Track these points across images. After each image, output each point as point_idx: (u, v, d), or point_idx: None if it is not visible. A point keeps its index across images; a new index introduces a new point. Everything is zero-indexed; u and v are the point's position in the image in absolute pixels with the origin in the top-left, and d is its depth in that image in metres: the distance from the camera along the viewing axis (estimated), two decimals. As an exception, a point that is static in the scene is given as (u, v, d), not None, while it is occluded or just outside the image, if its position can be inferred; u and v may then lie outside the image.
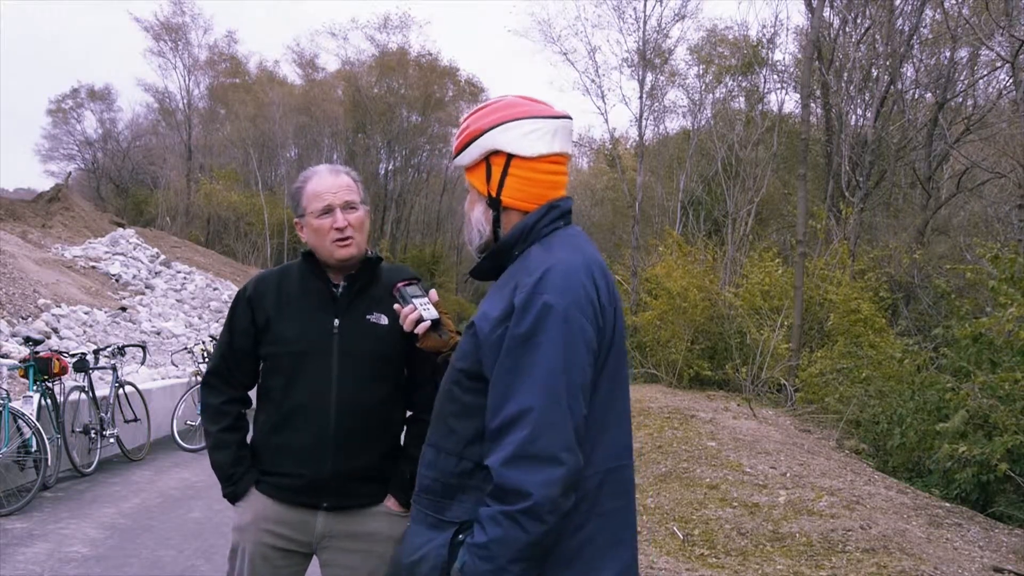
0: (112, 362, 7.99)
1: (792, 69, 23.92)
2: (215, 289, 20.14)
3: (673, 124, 31.34)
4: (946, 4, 16.95)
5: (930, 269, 15.27)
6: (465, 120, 1.73)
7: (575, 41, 59.57)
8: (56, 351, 7.21)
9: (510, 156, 1.66)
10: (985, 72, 18.38)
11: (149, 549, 5.07)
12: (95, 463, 7.13)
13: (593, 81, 24.81)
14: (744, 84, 25.64)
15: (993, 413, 6.56)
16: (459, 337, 1.84)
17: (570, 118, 1.71)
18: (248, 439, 2.31)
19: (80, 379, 7.34)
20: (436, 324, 1.99)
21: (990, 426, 6.76)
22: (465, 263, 39.78)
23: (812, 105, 18.90)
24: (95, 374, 7.61)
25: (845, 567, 4.50)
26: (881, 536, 5.00)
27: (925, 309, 15.19)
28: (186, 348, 10.81)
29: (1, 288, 12.33)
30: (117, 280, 17.72)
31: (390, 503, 2.22)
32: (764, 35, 26.63)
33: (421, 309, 1.98)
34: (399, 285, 2.03)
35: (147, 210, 36.89)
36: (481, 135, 1.67)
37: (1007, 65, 13.48)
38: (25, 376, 6.60)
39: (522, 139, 1.65)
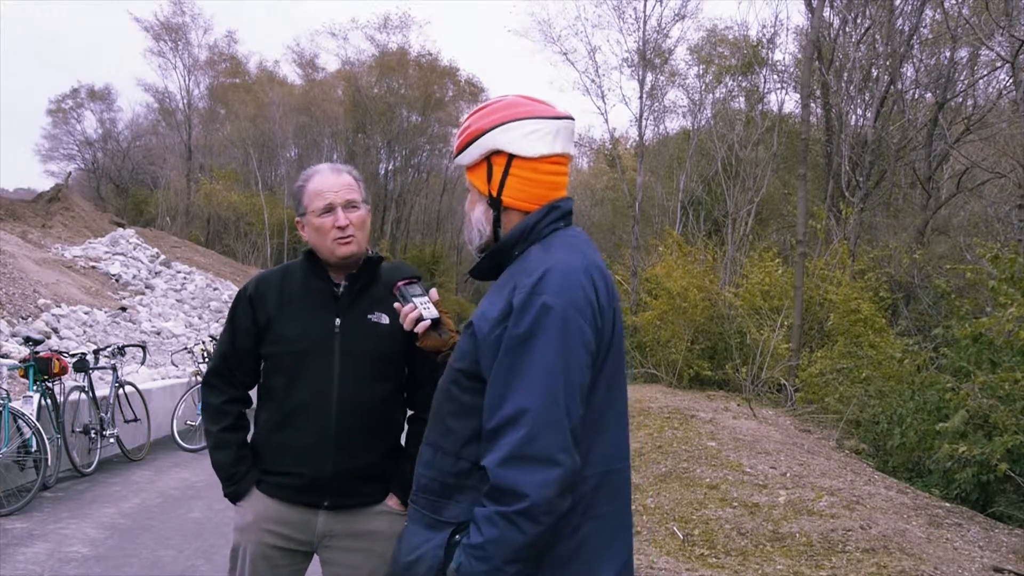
0: (112, 362, 7.99)
1: (792, 69, 23.95)
2: (215, 289, 20.14)
3: (673, 124, 31.41)
4: (946, 4, 16.97)
5: (930, 269, 15.28)
6: (467, 119, 1.73)
7: (575, 41, 59.70)
8: (56, 351, 7.21)
9: (511, 156, 1.65)
10: (985, 72, 18.41)
11: (149, 549, 5.07)
12: (95, 463, 7.13)
13: (593, 81, 24.84)
14: (744, 84, 25.67)
15: (993, 413, 6.56)
16: (459, 336, 1.84)
17: (572, 119, 1.70)
18: (249, 438, 2.31)
19: (80, 379, 7.34)
20: (436, 323, 1.99)
21: (990, 426, 6.76)
22: (465, 263, 39.76)
23: (812, 105, 18.91)
24: (95, 374, 7.61)
25: (845, 567, 4.50)
26: (881, 536, 5.00)
27: (925, 309, 15.20)
28: (186, 348, 10.81)
29: (1, 288, 12.33)
30: (117, 280, 17.72)
31: (391, 502, 2.23)
32: (764, 35, 26.69)
33: (421, 308, 1.98)
34: (399, 284, 2.03)
35: (147, 210, 36.89)
36: (482, 135, 1.66)
37: (1007, 65, 13.48)
38: (25, 376, 6.60)
39: (523, 139, 1.64)
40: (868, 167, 16.97)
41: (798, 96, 21.04)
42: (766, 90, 24.72)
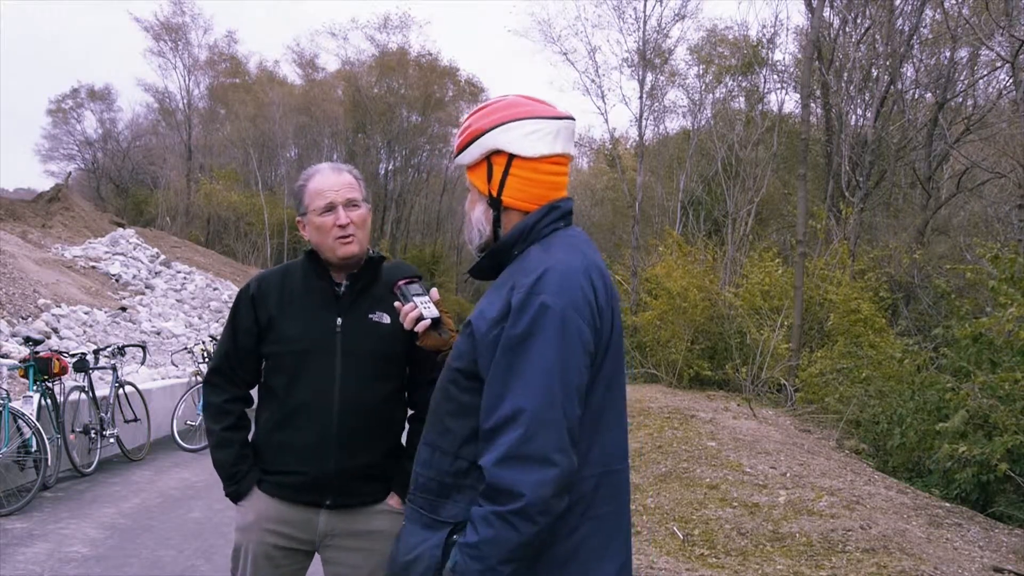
0: (112, 362, 7.99)
1: (792, 69, 23.95)
2: (215, 289, 20.14)
3: (673, 124, 31.40)
4: (946, 4, 16.97)
5: (930, 269, 15.28)
6: (467, 119, 1.73)
7: (575, 41, 59.61)
8: (56, 351, 7.21)
9: (511, 156, 1.65)
10: (985, 72, 18.41)
11: (149, 549, 5.07)
12: (95, 463, 7.13)
13: (593, 81, 24.82)
14: (744, 84, 25.66)
15: (993, 413, 6.56)
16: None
17: (572, 119, 1.70)
18: (250, 437, 2.31)
19: (80, 379, 7.34)
20: (436, 322, 1.99)
21: (990, 426, 6.76)
22: (465, 263, 39.73)
23: (812, 105, 18.91)
24: (95, 374, 7.61)
25: (845, 567, 4.51)
26: (881, 536, 5.00)
27: (925, 309, 15.20)
28: (186, 348, 10.80)
29: (1, 288, 12.33)
30: (117, 280, 17.72)
31: (392, 501, 2.23)
32: (764, 35, 26.67)
33: (421, 307, 1.98)
34: (400, 283, 2.04)
35: (147, 210, 36.89)
36: (483, 134, 1.67)
37: (1007, 65, 13.49)
38: (25, 376, 6.61)
39: (524, 139, 1.64)
40: (868, 167, 16.97)
41: (798, 96, 21.07)
42: (766, 90, 24.77)
